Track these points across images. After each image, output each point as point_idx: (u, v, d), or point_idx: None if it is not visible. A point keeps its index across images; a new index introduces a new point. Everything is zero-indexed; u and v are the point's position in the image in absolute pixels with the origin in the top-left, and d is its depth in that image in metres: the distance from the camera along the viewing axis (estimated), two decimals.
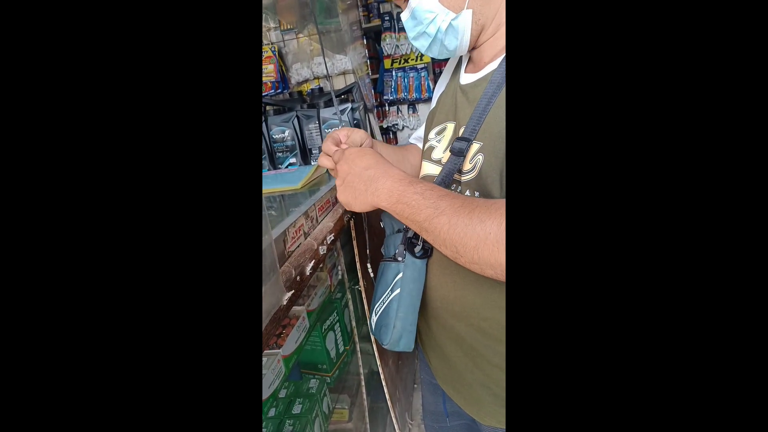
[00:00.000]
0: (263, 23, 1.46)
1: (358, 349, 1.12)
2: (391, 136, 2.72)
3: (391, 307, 0.57)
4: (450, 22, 0.50)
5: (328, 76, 1.34)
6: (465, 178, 0.51)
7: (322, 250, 0.75)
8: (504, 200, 0.41)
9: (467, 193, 0.51)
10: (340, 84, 1.64)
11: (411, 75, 2.52)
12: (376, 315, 0.59)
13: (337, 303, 0.99)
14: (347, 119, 1.24)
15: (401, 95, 2.57)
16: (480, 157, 0.49)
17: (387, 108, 2.68)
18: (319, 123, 1.27)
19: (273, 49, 1.61)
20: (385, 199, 0.47)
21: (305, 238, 0.79)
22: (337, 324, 0.97)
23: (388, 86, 2.59)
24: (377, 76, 2.62)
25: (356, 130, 0.63)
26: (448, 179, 0.52)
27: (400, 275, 0.56)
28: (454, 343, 0.58)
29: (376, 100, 2.62)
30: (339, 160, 0.53)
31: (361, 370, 1.15)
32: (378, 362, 1.16)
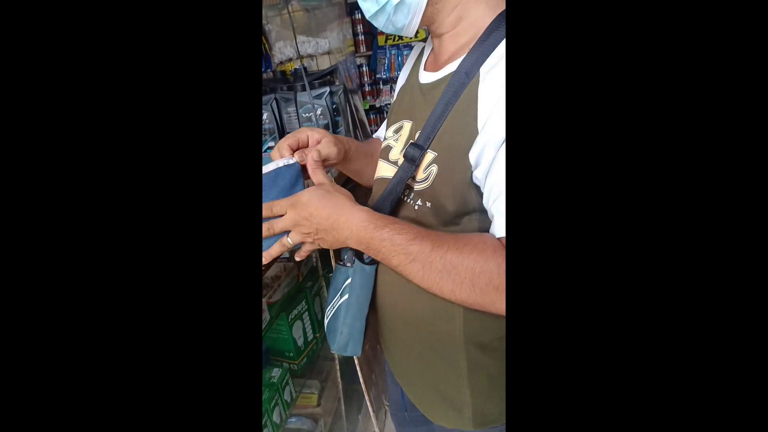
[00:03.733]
0: None
1: None
2: (385, 115, 2.67)
3: (339, 312, 0.57)
4: None
5: (300, 60, 1.30)
6: (418, 186, 0.49)
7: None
8: (473, 237, 0.42)
9: (419, 202, 0.49)
10: (325, 64, 1.60)
11: (405, 53, 2.45)
12: (327, 318, 0.60)
13: (306, 292, 1.00)
14: (325, 104, 1.21)
15: (395, 74, 2.50)
16: (434, 168, 0.47)
17: (380, 86, 2.62)
18: (297, 107, 1.24)
19: None
20: (355, 243, 0.46)
21: None
22: (306, 313, 0.98)
23: (381, 64, 2.52)
24: (371, 53, 2.54)
25: (329, 140, 0.56)
26: (400, 187, 0.50)
27: (349, 281, 0.56)
28: (404, 347, 0.59)
29: (369, 78, 2.55)
30: (294, 206, 0.46)
31: (336, 355, 1.17)
32: None
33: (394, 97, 0.64)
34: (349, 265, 0.55)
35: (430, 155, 0.48)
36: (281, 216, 0.47)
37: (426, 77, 0.53)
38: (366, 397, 1.23)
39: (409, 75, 0.60)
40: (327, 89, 1.23)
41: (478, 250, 0.41)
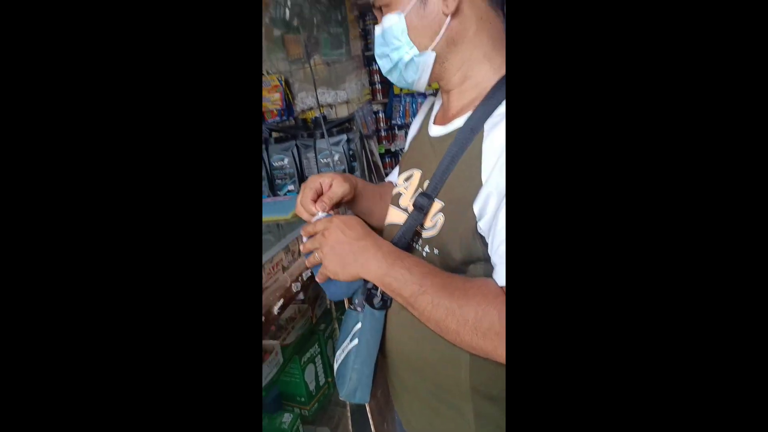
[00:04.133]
0: (272, 54, 1.52)
1: None
2: (399, 158, 2.75)
3: (348, 357, 0.57)
4: (413, 57, 0.51)
5: (319, 109, 1.38)
6: (426, 234, 0.51)
7: (296, 287, 0.77)
8: (480, 282, 0.44)
9: (426, 248, 0.51)
10: (344, 112, 1.68)
11: (419, 100, 2.56)
12: (337, 363, 0.60)
13: (319, 334, 1.00)
14: (342, 150, 1.27)
15: (409, 120, 2.61)
16: (441, 217, 0.49)
17: (396, 132, 2.72)
18: (315, 153, 1.30)
19: (280, 78, 1.67)
20: (374, 272, 0.47)
21: (283, 272, 0.81)
22: (318, 356, 0.98)
23: (396, 111, 2.63)
24: (387, 101, 2.66)
25: (338, 180, 0.60)
26: (409, 234, 0.53)
27: (359, 326, 0.56)
28: (411, 394, 0.58)
29: (385, 124, 2.66)
30: (327, 228, 0.51)
31: (348, 402, 1.15)
32: None
33: (406, 147, 0.68)
34: (359, 309, 0.56)
35: (437, 204, 0.50)
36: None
37: (435, 130, 0.57)
38: None
39: (420, 126, 0.64)
40: (344, 136, 1.29)
41: (481, 294, 0.43)
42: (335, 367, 0.60)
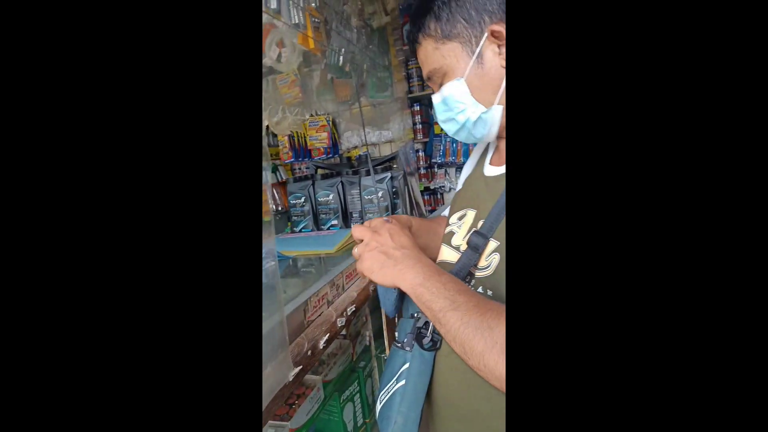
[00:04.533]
0: (321, 96, 1.61)
1: None
2: (438, 196, 2.76)
3: (394, 399, 0.55)
4: (480, 115, 0.52)
5: (367, 149, 1.43)
6: (480, 274, 0.51)
7: (340, 322, 0.77)
8: None
9: (480, 289, 0.51)
10: (387, 151, 1.74)
11: (459, 140, 2.60)
12: (380, 404, 0.58)
13: (359, 372, 0.98)
14: (386, 188, 1.30)
15: (449, 158, 2.64)
16: (496, 256, 0.49)
17: (435, 170, 2.75)
18: (360, 189, 1.34)
19: (328, 118, 1.76)
20: (409, 280, 0.48)
21: (328, 307, 0.82)
22: (357, 395, 0.96)
23: (437, 150, 2.67)
24: (428, 140, 2.72)
25: (397, 217, 0.64)
26: (463, 272, 0.53)
27: (407, 366, 0.55)
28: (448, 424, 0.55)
29: (425, 162, 2.70)
30: (379, 229, 0.53)
31: None
32: None
33: (459, 186, 0.69)
34: (408, 349, 0.55)
35: (492, 244, 0.50)
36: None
37: (490, 170, 0.58)
38: None
39: (474, 167, 0.65)
40: (388, 174, 1.32)
41: None
42: (378, 407, 0.59)
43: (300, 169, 2.14)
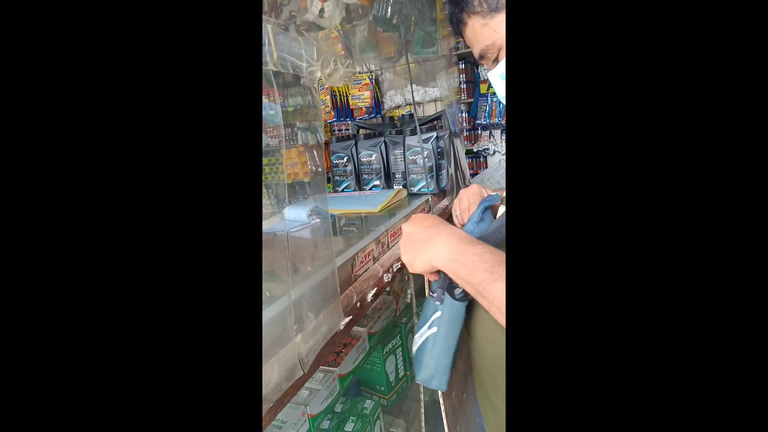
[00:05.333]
0: (363, 54, 1.57)
1: None
2: (482, 159, 2.67)
3: (426, 344, 0.56)
4: None
5: (414, 107, 1.39)
6: None
7: (387, 277, 0.78)
8: None
9: None
10: (431, 110, 1.68)
11: None
12: (415, 346, 0.59)
13: (401, 327, 1.01)
14: (431, 147, 1.27)
15: (495, 120, 2.52)
16: None
17: (479, 132, 2.65)
18: (404, 149, 1.32)
19: (371, 77, 1.72)
20: (444, 257, 0.47)
21: (373, 263, 0.84)
22: (399, 348, 0.99)
23: (482, 110, 2.56)
24: (472, 100, 2.61)
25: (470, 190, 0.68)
26: (503, 228, 0.52)
27: (438, 314, 0.55)
28: (503, 400, 0.56)
29: (469, 123, 2.61)
30: (404, 225, 0.54)
31: (422, 397, 1.15)
32: (440, 392, 1.15)
33: None
34: (438, 303, 0.55)
35: None
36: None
37: None
38: None
39: None
40: (434, 134, 1.29)
41: None
42: (413, 350, 0.60)
43: (341, 129, 2.13)
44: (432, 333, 0.56)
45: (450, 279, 0.54)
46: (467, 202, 0.65)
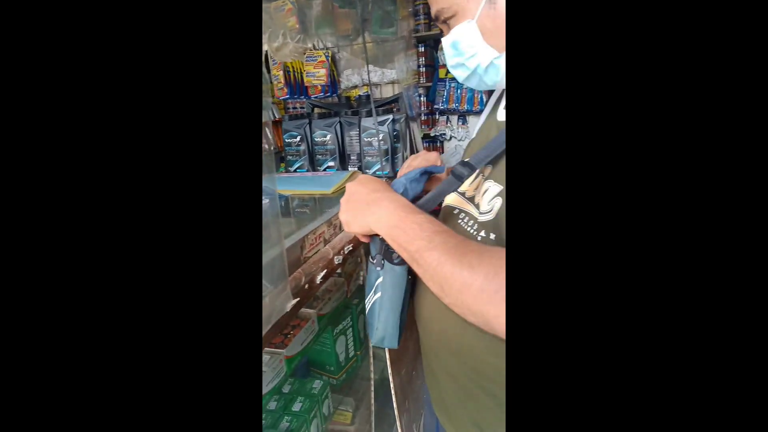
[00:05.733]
0: (320, 29, 1.52)
1: (371, 354, 1.14)
2: (438, 144, 2.71)
3: (374, 309, 0.58)
4: (492, 60, 0.50)
5: (370, 88, 1.37)
6: (482, 218, 0.50)
7: (338, 260, 0.78)
8: (499, 250, 0.40)
9: (482, 233, 0.50)
10: (389, 92, 1.67)
11: (465, 86, 2.50)
12: (367, 309, 0.61)
13: (353, 308, 1.02)
14: (387, 130, 1.27)
15: (452, 105, 2.56)
16: (498, 201, 0.48)
17: (437, 117, 2.68)
18: (359, 131, 1.31)
19: (327, 54, 1.67)
20: (384, 222, 0.47)
21: (324, 245, 0.83)
22: (350, 329, 1.00)
23: (440, 95, 2.58)
24: (431, 84, 2.62)
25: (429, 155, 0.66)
26: (440, 198, 0.53)
27: (380, 279, 0.56)
28: (448, 377, 0.58)
29: (427, 107, 2.62)
30: (350, 184, 0.54)
31: (372, 375, 1.17)
32: (389, 370, 1.18)
33: (473, 135, 0.67)
34: (378, 268, 0.57)
35: (495, 188, 0.49)
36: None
37: (503, 115, 0.56)
38: (398, 423, 1.21)
39: (488, 114, 0.63)
40: (390, 116, 1.28)
41: (497, 257, 0.40)
42: (366, 310, 0.62)
43: (295, 108, 2.07)
44: (377, 298, 0.57)
45: (387, 245, 0.54)
46: (418, 161, 0.66)
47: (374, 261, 0.57)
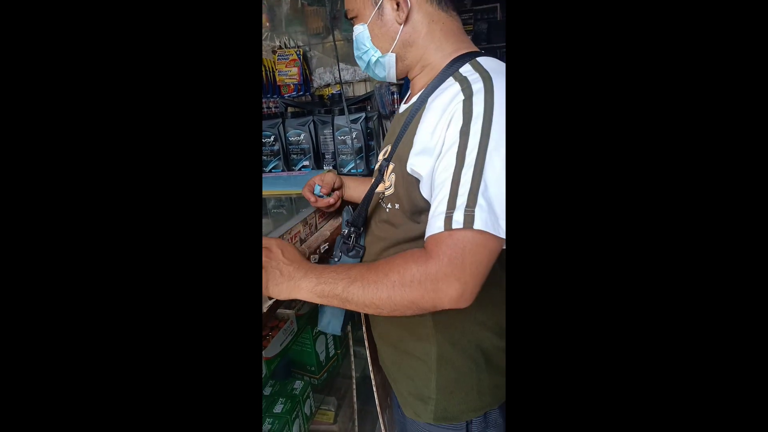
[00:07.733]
0: (290, 27, 1.50)
1: (351, 353, 1.14)
2: None
3: None
4: (377, 59, 0.60)
5: (342, 86, 1.37)
6: (387, 192, 0.59)
7: (314, 259, 0.78)
8: (407, 251, 0.50)
9: (389, 205, 0.59)
10: (361, 90, 1.67)
11: None
12: None
13: None
14: (360, 128, 1.27)
15: None
16: (394, 176, 0.58)
17: None
18: (333, 129, 1.30)
19: (298, 52, 1.65)
20: (306, 288, 0.52)
21: (300, 244, 0.82)
22: None
23: None
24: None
25: (328, 174, 0.79)
26: (372, 193, 0.62)
27: None
28: (385, 340, 0.66)
29: (399, 105, 2.64)
30: (270, 247, 0.57)
31: (354, 374, 1.17)
32: (370, 367, 1.19)
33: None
34: (336, 260, 0.64)
35: (391, 166, 0.58)
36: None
37: (402, 108, 0.66)
38: (380, 419, 1.22)
39: (396, 108, 0.71)
40: (363, 114, 1.28)
41: (402, 257, 0.49)
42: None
43: (268, 107, 2.03)
44: None
45: (344, 240, 0.64)
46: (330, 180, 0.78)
47: (334, 257, 0.65)
